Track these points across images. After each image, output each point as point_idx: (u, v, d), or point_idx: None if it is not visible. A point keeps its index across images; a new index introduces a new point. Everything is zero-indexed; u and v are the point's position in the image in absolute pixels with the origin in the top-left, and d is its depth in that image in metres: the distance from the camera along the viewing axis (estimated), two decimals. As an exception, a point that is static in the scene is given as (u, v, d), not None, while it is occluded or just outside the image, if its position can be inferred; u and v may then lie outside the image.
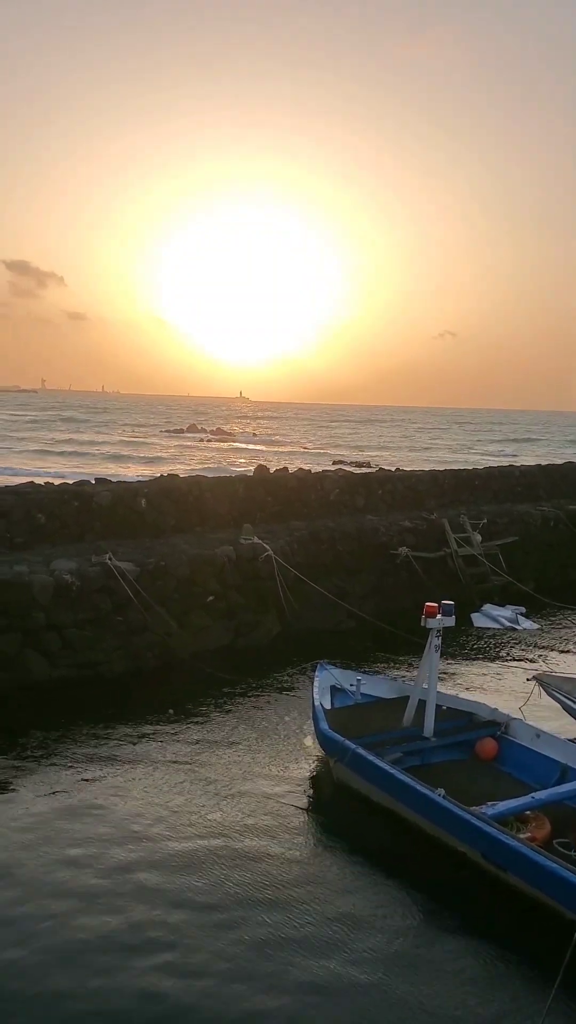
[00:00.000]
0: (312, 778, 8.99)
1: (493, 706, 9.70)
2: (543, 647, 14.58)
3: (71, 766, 9.08)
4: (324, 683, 10.14)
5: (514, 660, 13.68)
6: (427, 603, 8.81)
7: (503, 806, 7.37)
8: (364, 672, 11.10)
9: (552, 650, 14.41)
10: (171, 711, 10.78)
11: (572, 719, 10.06)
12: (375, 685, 10.49)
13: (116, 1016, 5.38)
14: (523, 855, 6.60)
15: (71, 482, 17.05)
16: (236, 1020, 5.39)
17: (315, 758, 9.40)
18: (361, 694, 10.17)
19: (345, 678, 10.43)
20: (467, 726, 9.42)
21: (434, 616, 8.65)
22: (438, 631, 8.77)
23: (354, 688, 10.21)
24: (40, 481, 16.96)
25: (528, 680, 10.64)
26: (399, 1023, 5.41)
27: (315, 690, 9.82)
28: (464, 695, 10.48)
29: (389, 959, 6.02)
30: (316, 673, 10.35)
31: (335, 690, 10.26)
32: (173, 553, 13.54)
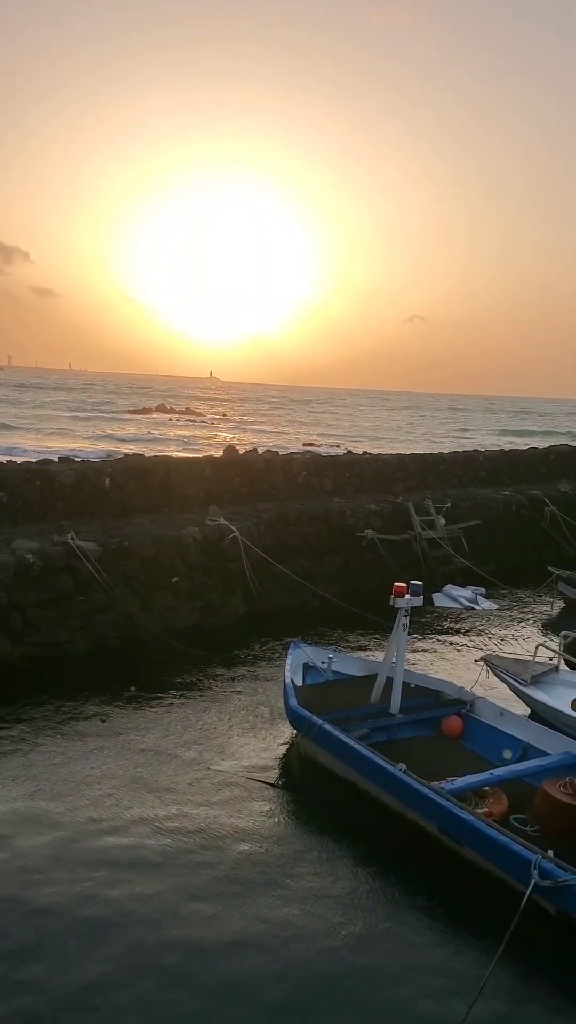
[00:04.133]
0: (280, 754, 9.03)
1: (460, 685, 9.81)
2: (500, 627, 14.78)
3: (33, 743, 8.97)
4: (297, 661, 10.18)
5: (470, 640, 13.86)
6: (396, 583, 8.87)
7: (461, 782, 7.50)
8: (337, 651, 11.14)
9: (508, 630, 14.63)
10: (133, 688, 10.74)
11: (519, 699, 10.27)
12: (347, 663, 10.54)
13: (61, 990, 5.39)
14: (476, 829, 6.72)
15: (34, 460, 16.75)
16: (198, 990, 5.43)
17: (284, 734, 9.45)
18: (332, 672, 10.22)
19: (317, 656, 10.47)
20: (434, 704, 9.53)
21: (403, 596, 8.74)
22: (406, 611, 8.86)
23: (326, 666, 10.25)
24: (1, 459, 16.65)
25: (476, 661, 10.82)
26: (350, 990, 5.52)
27: (287, 667, 9.86)
28: (431, 674, 10.59)
29: (343, 928, 6.10)
30: (290, 651, 10.39)
31: (307, 668, 10.30)
32: (138, 533, 13.41)
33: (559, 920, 6.15)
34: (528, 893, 5.95)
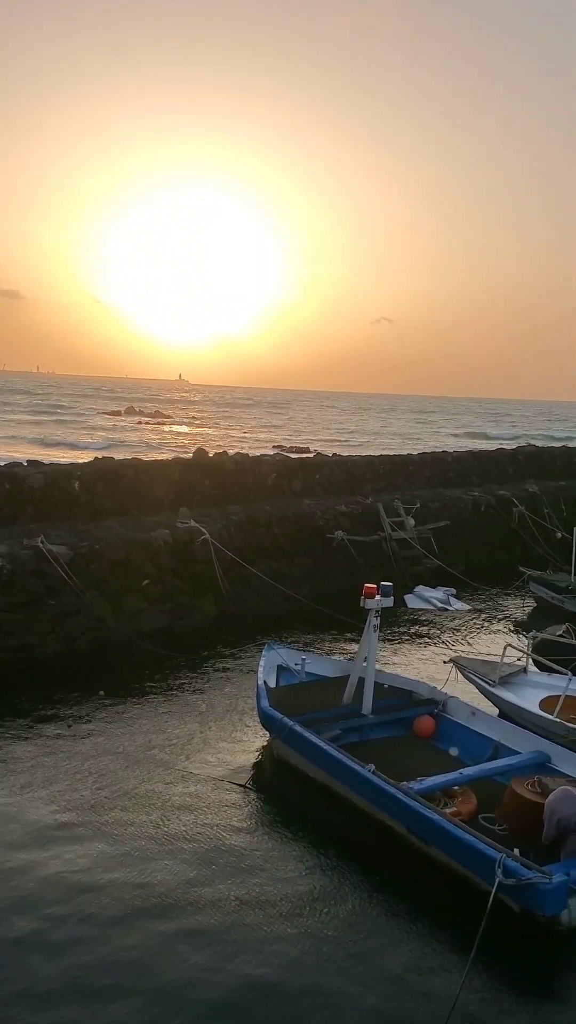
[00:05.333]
0: (252, 756, 9.03)
1: (432, 685, 9.87)
2: (471, 628, 14.93)
3: (1, 746, 8.88)
4: (270, 662, 10.17)
5: (442, 640, 13.97)
6: (367, 584, 8.90)
7: (430, 782, 7.51)
8: (310, 652, 11.14)
9: (478, 631, 14.78)
10: (103, 692, 10.67)
11: (487, 700, 10.37)
12: (320, 664, 10.53)
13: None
14: (442, 828, 6.73)
15: (2, 464, 16.55)
16: (169, 988, 5.42)
17: (257, 736, 9.44)
18: (306, 673, 10.21)
19: (291, 657, 10.45)
20: (406, 704, 9.56)
21: (373, 597, 8.77)
22: (377, 611, 8.89)
23: (299, 667, 10.24)
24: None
25: (445, 663, 10.89)
26: (323, 988, 5.54)
27: (260, 669, 9.84)
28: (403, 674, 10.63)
29: (315, 932, 6.12)
30: (263, 652, 10.37)
31: (281, 669, 10.28)
32: (108, 536, 13.33)
33: (523, 918, 6.16)
34: (494, 892, 5.97)
